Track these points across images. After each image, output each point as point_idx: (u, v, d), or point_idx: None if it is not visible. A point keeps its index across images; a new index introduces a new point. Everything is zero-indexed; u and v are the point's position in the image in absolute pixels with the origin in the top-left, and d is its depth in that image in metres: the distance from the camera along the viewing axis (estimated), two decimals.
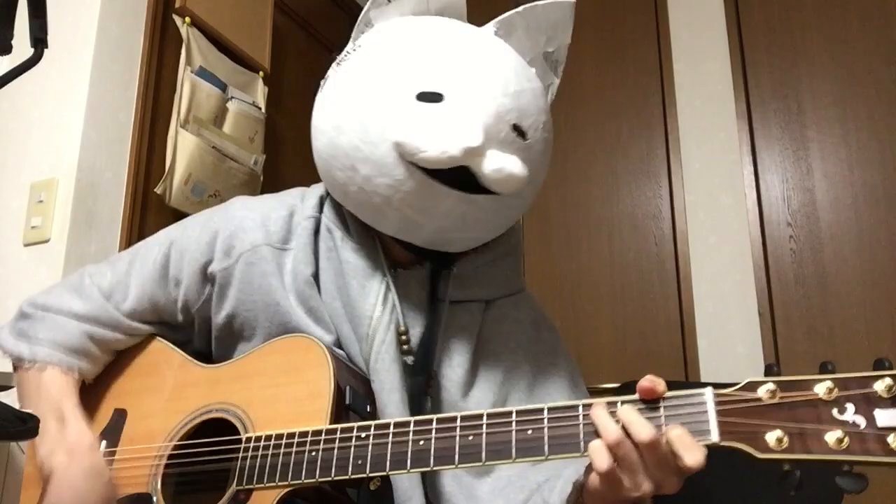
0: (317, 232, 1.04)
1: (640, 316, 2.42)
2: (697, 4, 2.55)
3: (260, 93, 2.32)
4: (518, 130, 0.93)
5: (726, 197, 2.38)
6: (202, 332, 1.06)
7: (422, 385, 0.96)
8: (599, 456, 0.69)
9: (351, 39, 1.02)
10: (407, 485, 0.89)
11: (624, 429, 0.69)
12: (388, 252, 1.02)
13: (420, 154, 0.87)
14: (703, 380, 2.27)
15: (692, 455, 0.65)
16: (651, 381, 0.70)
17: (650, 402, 0.70)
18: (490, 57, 0.95)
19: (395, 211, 0.94)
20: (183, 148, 1.98)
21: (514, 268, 1.11)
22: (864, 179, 2.22)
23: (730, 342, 2.27)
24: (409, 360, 0.96)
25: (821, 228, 2.25)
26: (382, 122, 0.90)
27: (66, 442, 0.93)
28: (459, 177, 0.89)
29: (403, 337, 0.96)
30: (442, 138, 0.87)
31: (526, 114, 0.93)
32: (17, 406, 1.01)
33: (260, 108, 2.29)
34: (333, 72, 1.00)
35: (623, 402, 0.71)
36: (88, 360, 1.02)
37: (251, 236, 1.01)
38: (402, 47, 0.95)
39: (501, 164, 0.89)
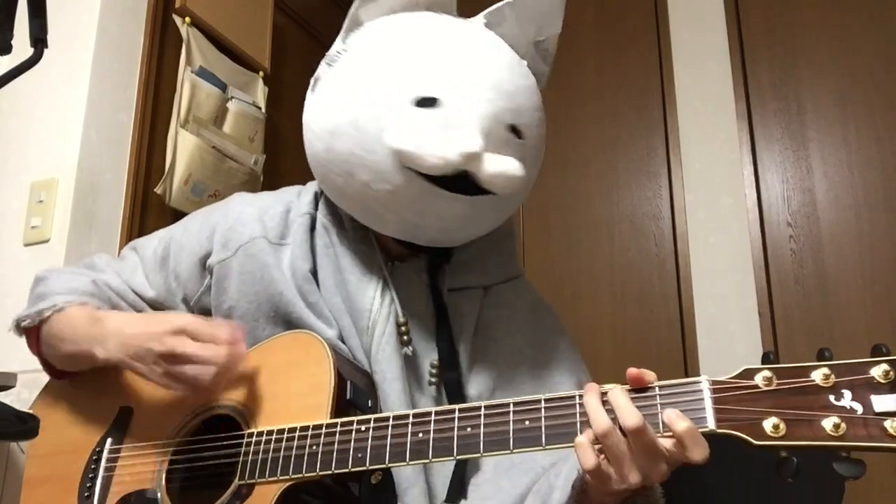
0: (313, 228, 1.05)
1: (640, 316, 2.42)
2: (697, 4, 2.55)
3: (260, 93, 2.32)
4: (514, 130, 0.93)
5: (726, 197, 2.38)
6: None
7: (425, 375, 0.97)
8: (585, 454, 0.68)
9: (339, 38, 1.01)
10: (410, 472, 0.90)
11: (612, 413, 0.68)
12: (383, 246, 1.03)
13: (420, 161, 0.87)
14: None
15: (701, 451, 0.65)
16: (640, 371, 0.71)
17: (645, 390, 0.70)
18: (484, 56, 0.94)
19: (396, 215, 0.94)
20: (183, 148, 1.99)
21: (509, 253, 1.12)
22: (864, 179, 2.22)
23: (730, 342, 2.26)
24: (409, 350, 0.96)
25: (821, 228, 2.24)
26: (380, 129, 0.90)
27: (112, 320, 0.97)
28: (458, 179, 0.89)
29: (403, 328, 0.96)
30: (441, 145, 0.87)
31: (522, 113, 0.93)
32: (25, 405, 1.02)
33: (260, 108, 2.29)
34: (324, 72, 1.00)
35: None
36: (100, 304, 1.05)
37: (249, 229, 1.03)
38: (396, 50, 0.94)
39: (501, 168, 0.89)
